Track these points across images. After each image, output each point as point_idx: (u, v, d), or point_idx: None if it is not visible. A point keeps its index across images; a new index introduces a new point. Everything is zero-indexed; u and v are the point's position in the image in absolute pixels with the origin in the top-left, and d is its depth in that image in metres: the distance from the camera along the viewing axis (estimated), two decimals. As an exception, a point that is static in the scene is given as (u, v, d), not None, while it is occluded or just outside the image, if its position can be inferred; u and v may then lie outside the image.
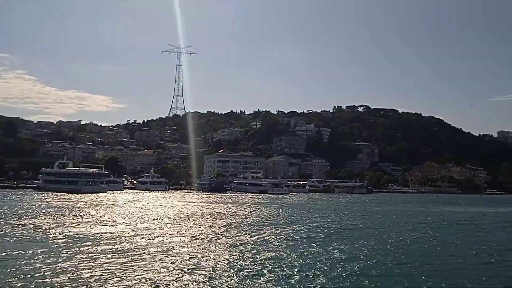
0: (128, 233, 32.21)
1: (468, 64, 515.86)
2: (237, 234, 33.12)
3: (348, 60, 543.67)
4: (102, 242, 27.81)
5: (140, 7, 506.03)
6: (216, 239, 30.26)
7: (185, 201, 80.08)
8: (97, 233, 31.89)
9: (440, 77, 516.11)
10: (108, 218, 43.78)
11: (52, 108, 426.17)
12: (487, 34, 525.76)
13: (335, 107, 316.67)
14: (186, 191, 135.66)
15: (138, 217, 45.52)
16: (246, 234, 33.44)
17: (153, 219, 43.33)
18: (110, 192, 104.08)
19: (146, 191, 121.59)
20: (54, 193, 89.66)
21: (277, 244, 28.70)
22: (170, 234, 32.34)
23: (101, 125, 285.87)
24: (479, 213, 66.94)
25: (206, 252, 25.16)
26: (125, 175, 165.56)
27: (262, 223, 41.92)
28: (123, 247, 26.14)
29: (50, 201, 68.31)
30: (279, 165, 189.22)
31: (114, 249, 25.12)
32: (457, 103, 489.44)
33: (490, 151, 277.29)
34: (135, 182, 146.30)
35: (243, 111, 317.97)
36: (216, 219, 44.96)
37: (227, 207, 65.24)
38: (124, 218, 43.60)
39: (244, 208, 62.50)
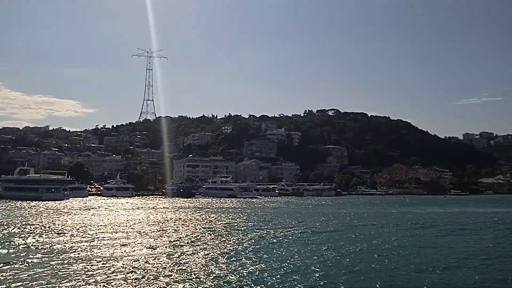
0: (71, 242, 31.33)
1: (434, 69, 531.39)
2: (194, 242, 32.72)
3: (318, 64, 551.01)
4: (42, 252, 26.92)
5: (112, 10, 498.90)
6: (158, 249, 29.72)
7: (148, 207, 78.78)
8: (41, 243, 30.89)
9: (408, 82, 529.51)
10: (58, 226, 42.54)
11: (20, 113, 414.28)
12: (451, 39, 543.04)
13: (306, 111, 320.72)
14: (154, 196, 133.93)
15: (87, 224, 44.39)
16: (200, 243, 33.05)
17: (101, 226, 42.47)
18: (73, 199, 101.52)
19: (112, 198, 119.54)
20: (14, 201, 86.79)
21: (233, 252, 28.41)
22: (115, 244, 31.51)
23: (69, 130, 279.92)
24: (429, 212, 68.55)
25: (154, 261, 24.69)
26: (92, 181, 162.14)
27: (220, 229, 41.63)
28: (63, 257, 25.34)
29: (5, 209, 66.05)
30: (250, 169, 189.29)
31: (53, 260, 24.34)
32: (424, 107, 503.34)
33: (456, 153, 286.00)
34: (101, 188, 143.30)
35: (215, 116, 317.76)
36: (165, 226, 44.30)
37: (189, 212, 64.59)
38: (74, 226, 42.43)
39: (201, 214, 61.96)
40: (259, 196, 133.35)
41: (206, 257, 25.57)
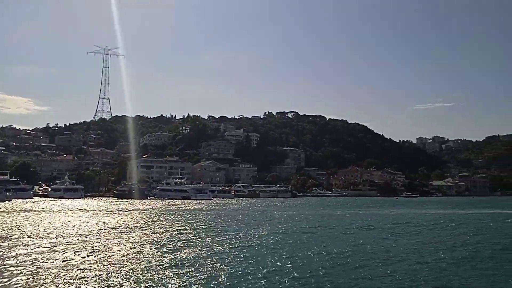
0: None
1: (391, 74, 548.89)
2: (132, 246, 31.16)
3: (279, 67, 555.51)
4: None
5: (68, 6, 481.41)
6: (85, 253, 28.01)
7: (93, 209, 75.67)
8: None
9: (366, 87, 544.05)
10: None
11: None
12: (408, 47, 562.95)
13: (265, 113, 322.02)
14: (105, 198, 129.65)
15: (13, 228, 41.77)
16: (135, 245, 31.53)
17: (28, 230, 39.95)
18: (16, 200, 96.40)
19: (59, 199, 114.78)
20: None
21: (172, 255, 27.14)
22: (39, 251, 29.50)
23: (19, 128, 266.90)
24: (374, 214, 69.87)
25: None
26: (40, 182, 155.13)
27: (163, 231, 40.19)
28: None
29: None
30: (206, 170, 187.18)
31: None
32: (381, 111, 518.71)
33: (409, 157, 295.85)
34: (49, 189, 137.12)
35: (173, 116, 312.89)
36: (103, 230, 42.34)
37: (129, 215, 62.50)
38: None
39: (147, 217, 60.15)
40: (214, 198, 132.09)
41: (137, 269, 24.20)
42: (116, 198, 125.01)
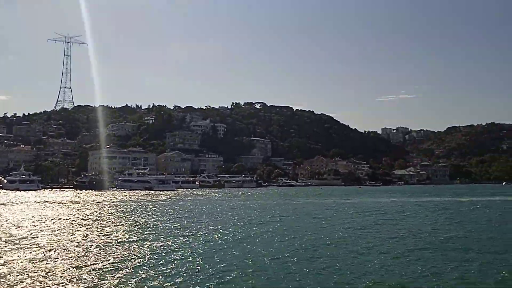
0: None
1: (357, 66, 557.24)
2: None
3: (248, 58, 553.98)
4: None
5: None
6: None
7: (46, 201, 73.01)
8: None
9: (333, 78, 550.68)
10: None
11: None
12: (374, 40, 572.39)
13: (233, 103, 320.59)
14: (63, 189, 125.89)
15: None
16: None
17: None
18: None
19: (15, 191, 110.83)
20: None
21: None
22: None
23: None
24: (329, 203, 70.64)
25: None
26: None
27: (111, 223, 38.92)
28: None
29: None
30: (171, 161, 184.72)
31: None
32: (347, 102, 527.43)
33: (374, 146, 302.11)
34: (5, 181, 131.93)
35: (139, 106, 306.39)
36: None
37: (81, 208, 60.67)
38: None
39: (92, 211, 58.53)
40: (178, 189, 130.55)
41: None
42: (75, 190, 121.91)
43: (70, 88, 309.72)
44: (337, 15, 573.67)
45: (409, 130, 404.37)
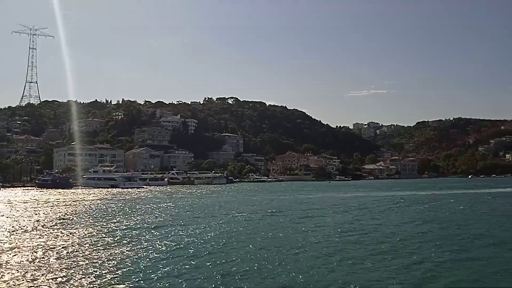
0: None
1: (329, 62, 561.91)
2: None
3: (220, 52, 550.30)
4: None
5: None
6: None
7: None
8: None
9: (306, 73, 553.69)
10: None
11: None
12: (345, 36, 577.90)
13: (205, 98, 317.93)
14: (26, 188, 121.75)
15: None
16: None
17: None
18: None
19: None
20: None
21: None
22: None
23: None
24: (294, 198, 70.38)
25: None
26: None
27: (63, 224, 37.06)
28: None
29: None
30: (140, 157, 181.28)
31: None
32: (319, 97, 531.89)
33: (345, 141, 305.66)
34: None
35: (109, 101, 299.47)
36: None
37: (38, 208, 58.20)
38: None
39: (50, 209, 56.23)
40: (146, 186, 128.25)
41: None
42: (38, 188, 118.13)
43: (36, 82, 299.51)
44: (310, 11, 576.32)
45: (380, 125, 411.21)
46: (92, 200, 71.51)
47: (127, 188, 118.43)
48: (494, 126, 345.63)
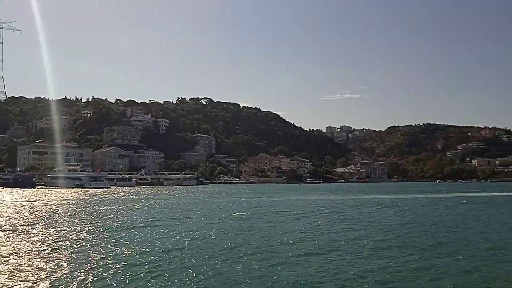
0: None
1: (302, 65, 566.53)
2: None
3: (194, 53, 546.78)
4: None
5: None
6: None
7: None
8: None
9: (280, 76, 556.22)
10: None
11: None
12: (317, 39, 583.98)
13: (178, 98, 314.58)
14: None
15: None
16: None
17: None
18: None
19: None
20: None
21: None
22: None
23: None
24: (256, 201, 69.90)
25: None
26: None
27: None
28: None
29: None
30: (108, 157, 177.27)
31: None
32: (293, 100, 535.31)
33: (318, 144, 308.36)
34: None
35: (79, 99, 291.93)
36: None
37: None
38: None
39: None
40: (113, 186, 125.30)
41: None
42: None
43: (2, 77, 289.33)
44: (286, 13, 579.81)
45: (353, 129, 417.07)
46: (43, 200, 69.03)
47: (93, 188, 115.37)
48: (462, 132, 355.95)
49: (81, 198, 75.72)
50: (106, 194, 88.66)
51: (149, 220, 40.61)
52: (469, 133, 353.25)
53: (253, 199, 75.96)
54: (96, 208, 53.98)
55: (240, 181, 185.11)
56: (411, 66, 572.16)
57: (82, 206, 57.14)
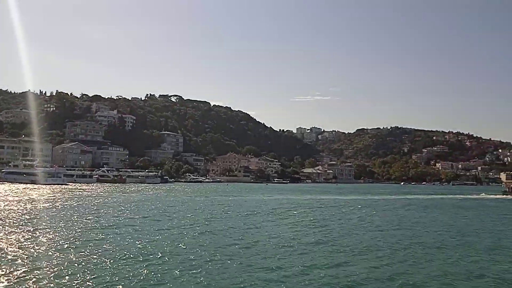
0: None
1: (274, 65, 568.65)
2: None
3: (166, 49, 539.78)
4: None
5: None
6: None
7: None
8: None
9: (252, 75, 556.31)
10: None
11: None
12: (289, 40, 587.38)
13: (147, 95, 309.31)
14: None
15: None
16: None
17: None
18: None
19: None
20: None
21: None
22: None
23: None
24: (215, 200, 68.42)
25: None
26: None
27: None
28: None
29: None
30: (70, 152, 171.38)
31: None
32: (264, 100, 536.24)
33: (287, 145, 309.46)
34: None
35: (43, 92, 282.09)
36: None
37: None
38: None
39: None
40: (72, 183, 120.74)
41: None
42: None
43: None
44: (262, 14, 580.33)
45: (322, 130, 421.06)
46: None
47: (49, 184, 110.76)
48: (427, 136, 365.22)
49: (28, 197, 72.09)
50: (64, 192, 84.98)
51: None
52: (434, 137, 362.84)
53: (209, 198, 74.27)
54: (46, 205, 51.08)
55: (207, 180, 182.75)
56: (381, 70, 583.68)
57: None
